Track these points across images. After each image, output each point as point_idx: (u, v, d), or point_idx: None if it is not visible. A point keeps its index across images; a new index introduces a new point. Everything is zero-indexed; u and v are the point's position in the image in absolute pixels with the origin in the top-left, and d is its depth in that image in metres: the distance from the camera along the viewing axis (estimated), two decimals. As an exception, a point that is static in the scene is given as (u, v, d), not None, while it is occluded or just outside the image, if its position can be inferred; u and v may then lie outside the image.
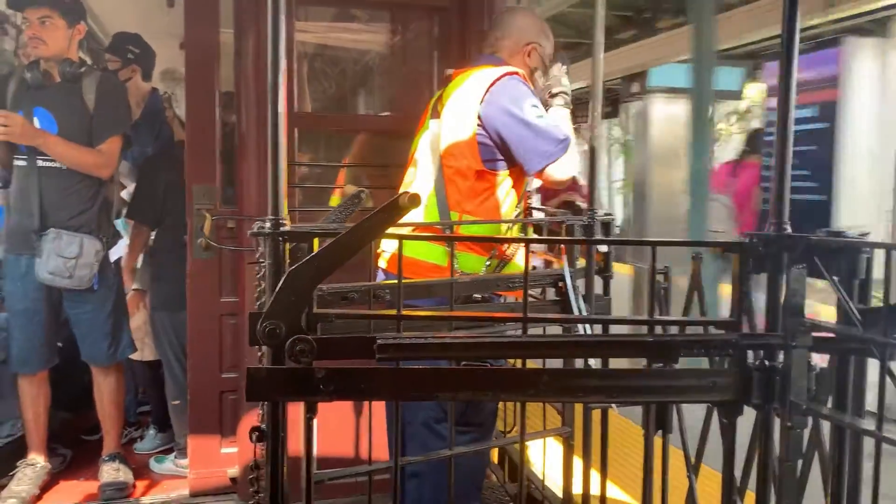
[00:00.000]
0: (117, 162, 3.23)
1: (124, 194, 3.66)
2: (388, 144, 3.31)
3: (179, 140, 3.61)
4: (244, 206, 2.99)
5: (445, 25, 3.25)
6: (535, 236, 2.51)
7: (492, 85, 2.32)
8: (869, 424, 1.06)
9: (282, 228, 1.12)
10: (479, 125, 2.32)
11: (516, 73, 2.38)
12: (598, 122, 2.22)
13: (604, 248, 2.12)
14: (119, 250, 3.55)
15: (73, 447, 3.51)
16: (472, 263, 2.32)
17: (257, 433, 1.15)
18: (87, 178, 3.10)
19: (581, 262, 2.11)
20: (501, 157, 2.34)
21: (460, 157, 2.33)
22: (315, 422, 1.12)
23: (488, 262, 2.32)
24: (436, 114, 2.46)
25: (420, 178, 2.43)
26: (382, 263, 2.41)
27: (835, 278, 1.10)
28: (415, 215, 2.38)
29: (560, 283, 2.06)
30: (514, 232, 2.41)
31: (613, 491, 3.06)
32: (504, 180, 2.36)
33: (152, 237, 3.59)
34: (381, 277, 2.42)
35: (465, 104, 2.37)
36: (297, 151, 3.28)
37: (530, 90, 2.37)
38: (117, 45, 3.80)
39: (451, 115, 2.41)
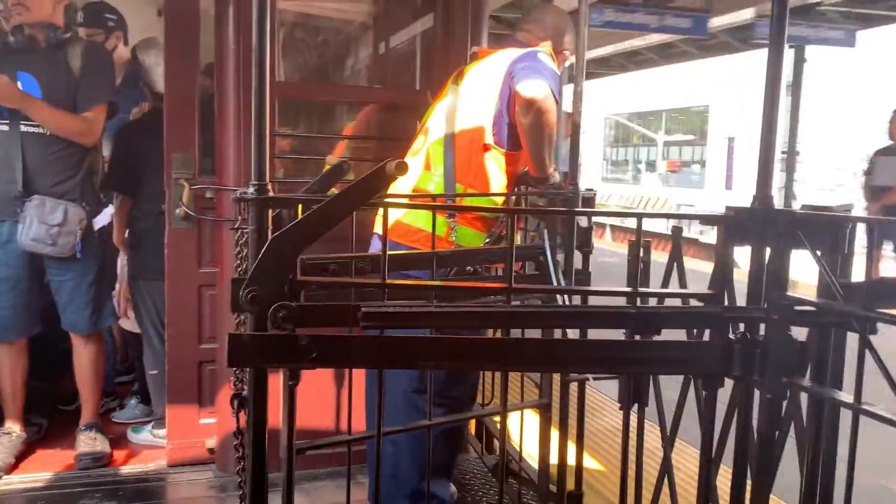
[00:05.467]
0: (102, 130, 3.19)
1: None
2: (384, 118, 3.30)
3: (153, 108, 3.56)
4: (223, 177, 2.97)
5: (430, -3, 3.22)
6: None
7: (517, 59, 2.33)
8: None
9: (266, 194, 1.10)
10: (497, 99, 2.33)
11: (542, 51, 2.41)
12: (581, 98, 2.23)
13: (584, 223, 2.13)
14: (103, 219, 3.51)
15: (49, 417, 3.48)
16: (471, 238, 2.33)
17: (238, 400, 1.15)
18: (71, 145, 3.05)
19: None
20: (510, 137, 2.35)
21: (473, 130, 2.34)
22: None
23: (487, 239, 2.33)
24: (454, 87, 2.47)
25: (429, 147, 2.43)
26: (378, 229, 2.41)
27: (817, 252, 1.11)
28: (420, 182, 2.39)
29: (541, 258, 2.06)
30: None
31: (590, 463, 3.10)
32: (507, 160, 2.38)
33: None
34: (374, 242, 2.43)
35: (487, 79, 2.39)
36: (276, 122, 3.25)
37: (555, 67, 2.38)
38: (94, 17, 3.74)
39: (471, 89, 2.43)
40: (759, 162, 1.14)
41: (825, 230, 1.10)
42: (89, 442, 3.13)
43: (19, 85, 2.96)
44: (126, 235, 3.57)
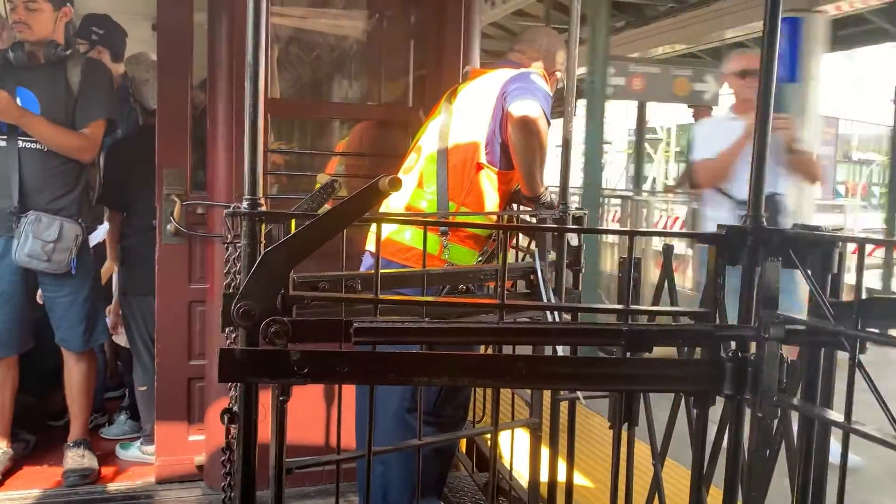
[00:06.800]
0: (100, 146, 3.19)
1: None
2: (377, 135, 3.31)
3: (144, 124, 3.57)
4: (215, 193, 2.96)
5: (423, 15, 3.24)
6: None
7: (510, 80, 2.36)
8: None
9: (259, 209, 1.10)
10: (490, 119, 2.34)
11: (535, 72, 2.45)
12: (572, 117, 2.24)
13: (574, 242, 2.13)
14: (99, 235, 3.50)
15: (38, 432, 3.45)
16: (464, 257, 2.33)
17: (229, 415, 1.14)
18: (68, 161, 3.05)
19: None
20: (502, 156, 2.37)
21: (466, 149, 2.35)
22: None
23: (479, 258, 2.33)
24: (448, 105, 2.49)
25: (422, 165, 2.44)
26: (371, 246, 2.41)
27: (808, 271, 1.11)
28: (413, 200, 2.40)
29: (531, 276, 2.06)
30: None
31: (580, 481, 3.08)
32: (499, 179, 2.39)
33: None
34: (366, 259, 2.43)
35: (480, 98, 2.40)
36: (269, 139, 3.26)
37: (547, 88, 2.41)
38: (82, 28, 3.74)
39: (464, 108, 2.44)
40: (751, 180, 1.15)
41: (816, 249, 1.11)
42: (77, 459, 3.10)
43: (18, 101, 2.96)
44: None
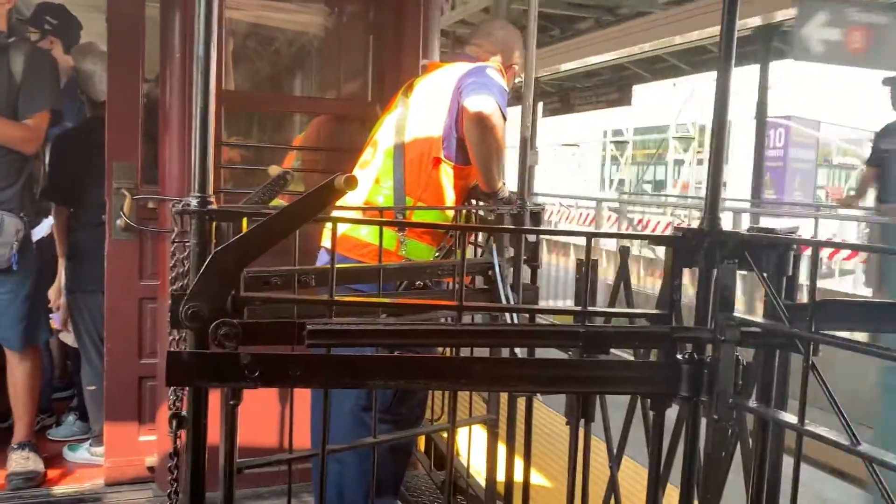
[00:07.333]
0: (44, 137, 3.09)
1: None
2: (335, 129, 3.27)
3: (92, 116, 3.48)
4: (166, 187, 2.90)
5: (381, 11, 3.21)
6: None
7: (466, 74, 2.34)
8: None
9: (209, 207, 1.07)
10: (446, 114, 2.33)
11: (491, 66, 2.43)
12: (529, 113, 2.24)
13: (532, 238, 2.14)
14: (42, 230, 3.39)
15: (-21, 435, 3.34)
16: (421, 252, 2.32)
17: (177, 420, 1.10)
18: (10, 153, 2.94)
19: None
20: (459, 151, 2.35)
21: (423, 144, 2.33)
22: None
23: (437, 254, 2.32)
24: (404, 99, 2.47)
25: (379, 160, 2.41)
26: (326, 242, 2.38)
27: (764, 274, 1.11)
28: (370, 195, 2.37)
29: (489, 272, 2.06)
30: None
31: (537, 479, 3.09)
32: (456, 174, 2.37)
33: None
34: (322, 256, 2.40)
35: (436, 92, 2.38)
36: (224, 132, 3.19)
37: (503, 83, 2.39)
38: (34, 16, 3.63)
39: (420, 102, 2.42)
40: (708, 183, 1.15)
41: (771, 251, 1.11)
42: (21, 461, 3.01)
43: None
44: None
